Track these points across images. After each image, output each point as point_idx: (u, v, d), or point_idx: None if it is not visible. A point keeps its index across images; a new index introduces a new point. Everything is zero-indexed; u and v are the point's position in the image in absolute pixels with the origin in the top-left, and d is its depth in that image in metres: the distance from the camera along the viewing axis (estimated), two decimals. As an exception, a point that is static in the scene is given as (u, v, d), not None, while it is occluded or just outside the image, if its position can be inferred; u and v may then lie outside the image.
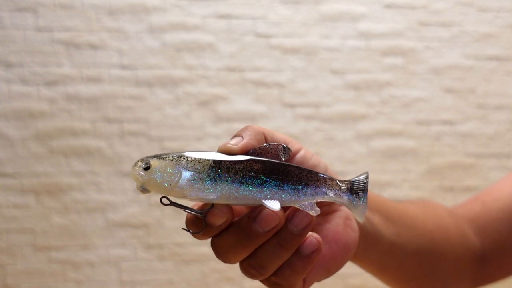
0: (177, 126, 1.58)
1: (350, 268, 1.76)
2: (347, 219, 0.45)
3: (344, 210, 0.45)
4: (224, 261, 0.41)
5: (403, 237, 0.53)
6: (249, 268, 0.41)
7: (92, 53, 1.55)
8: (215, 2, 1.59)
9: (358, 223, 0.45)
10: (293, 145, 0.42)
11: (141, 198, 1.57)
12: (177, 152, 0.39)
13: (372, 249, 0.49)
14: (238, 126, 1.59)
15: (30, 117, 1.53)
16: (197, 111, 1.59)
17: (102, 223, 1.56)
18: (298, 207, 0.40)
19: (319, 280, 0.44)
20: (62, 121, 1.54)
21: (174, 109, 1.58)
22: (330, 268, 0.44)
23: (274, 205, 0.38)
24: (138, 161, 0.39)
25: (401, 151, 1.68)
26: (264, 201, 0.39)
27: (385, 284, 0.59)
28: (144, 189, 0.39)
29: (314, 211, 0.39)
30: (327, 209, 0.44)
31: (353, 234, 0.45)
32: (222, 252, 0.40)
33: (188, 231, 0.40)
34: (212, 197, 0.39)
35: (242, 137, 0.40)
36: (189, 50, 1.59)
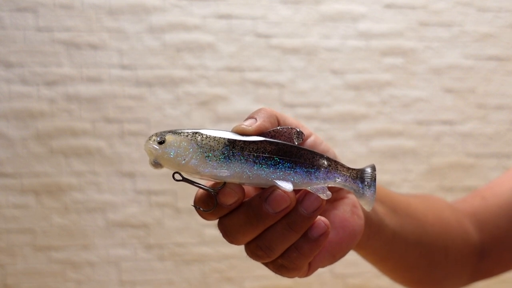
0: (177, 126, 1.58)
1: (350, 268, 1.75)
2: (354, 207, 0.45)
3: (351, 198, 0.45)
4: (231, 241, 0.41)
5: (405, 227, 0.54)
6: (257, 250, 0.41)
7: (92, 53, 1.55)
8: (215, 2, 1.59)
9: (364, 211, 0.46)
10: (304, 130, 0.42)
11: (141, 198, 1.57)
12: (192, 129, 0.39)
13: (375, 237, 0.50)
14: (238, 126, 1.59)
15: (30, 117, 1.53)
16: (197, 111, 1.59)
17: (102, 223, 1.56)
18: (309, 190, 0.40)
19: (324, 265, 0.44)
20: (62, 121, 1.54)
21: (174, 109, 1.58)
22: (336, 254, 0.44)
23: (286, 185, 0.39)
24: (152, 135, 0.39)
25: (401, 151, 1.68)
26: (277, 181, 0.39)
27: (386, 275, 0.59)
28: (156, 164, 0.39)
29: (326, 195, 0.40)
30: (335, 196, 0.45)
31: (359, 221, 0.45)
32: (230, 232, 0.40)
33: (198, 208, 0.40)
34: (225, 174, 0.39)
35: (256, 119, 0.40)
36: (189, 50, 1.59)
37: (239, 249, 1.60)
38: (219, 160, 0.38)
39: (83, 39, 1.55)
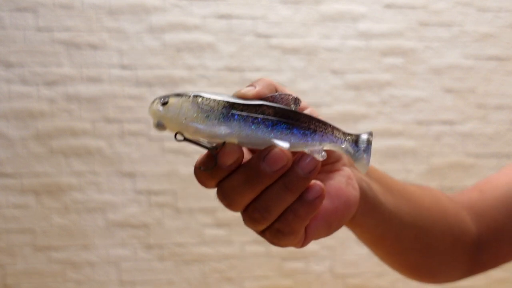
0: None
1: (350, 268, 1.75)
2: (349, 178, 0.46)
3: (346, 170, 0.47)
4: (229, 205, 0.42)
5: (400, 208, 0.54)
6: (253, 212, 0.41)
7: (92, 53, 1.55)
8: (215, 2, 1.59)
9: (360, 185, 0.47)
10: (302, 101, 0.44)
11: (141, 198, 1.57)
12: (195, 91, 0.42)
13: (370, 214, 0.51)
14: (238, 126, 1.59)
15: (30, 117, 1.53)
16: (197, 111, 1.59)
17: (102, 223, 1.56)
18: (306, 152, 0.41)
19: (319, 236, 0.45)
20: (62, 121, 1.54)
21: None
22: (332, 223, 0.45)
23: (283, 144, 0.40)
24: (156, 98, 0.41)
25: (401, 151, 1.68)
26: (274, 140, 0.41)
27: (382, 260, 0.60)
28: (160, 125, 0.41)
29: (321, 156, 0.41)
30: (330, 167, 0.46)
31: (355, 192, 0.46)
32: (228, 194, 0.41)
33: (199, 168, 0.42)
34: (224, 132, 0.40)
35: (255, 86, 0.42)
36: (189, 50, 1.59)
37: (239, 249, 1.60)
38: (219, 119, 0.40)
39: (83, 39, 1.55)
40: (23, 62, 1.53)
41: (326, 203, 0.43)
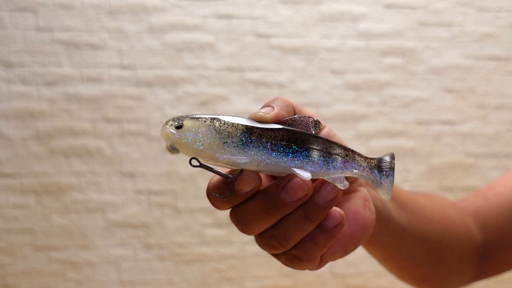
0: (177, 126, 1.58)
1: (350, 268, 1.75)
2: (366, 200, 0.45)
3: (363, 191, 0.45)
4: (245, 230, 0.40)
5: (413, 224, 0.54)
6: (271, 240, 0.40)
7: (92, 53, 1.55)
8: (215, 2, 1.59)
9: (375, 204, 0.46)
10: (319, 120, 0.42)
11: (141, 198, 1.57)
12: (210, 114, 0.39)
13: (384, 232, 0.50)
14: (238, 126, 1.59)
15: (30, 117, 1.53)
16: (197, 111, 1.59)
17: (102, 223, 1.56)
18: (327, 180, 0.40)
19: (335, 258, 0.44)
20: (62, 121, 1.54)
21: (174, 109, 1.58)
22: (347, 247, 0.44)
23: (305, 174, 0.38)
24: (169, 119, 0.38)
25: (401, 151, 1.68)
26: (295, 170, 0.39)
27: (392, 273, 0.59)
28: (173, 149, 0.38)
29: (343, 185, 0.40)
30: (347, 189, 0.45)
31: (371, 215, 0.45)
32: (244, 221, 0.40)
33: (214, 195, 0.39)
34: (243, 161, 0.38)
35: (273, 107, 0.40)
36: (189, 50, 1.59)
37: (239, 249, 1.60)
38: (237, 147, 0.38)
39: (83, 39, 1.55)
40: (23, 62, 1.53)
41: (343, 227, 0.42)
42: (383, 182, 0.43)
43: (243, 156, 0.38)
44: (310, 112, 0.43)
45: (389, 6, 1.67)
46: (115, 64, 1.56)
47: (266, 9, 1.62)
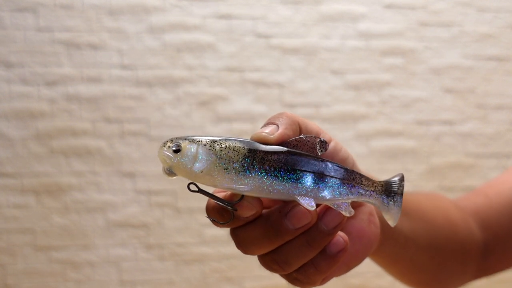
0: (177, 126, 1.58)
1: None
2: (370, 215, 0.44)
3: (368, 206, 0.44)
4: (245, 252, 0.39)
5: (416, 231, 0.53)
6: (272, 263, 0.39)
7: (92, 53, 1.55)
8: (215, 2, 1.59)
9: (379, 216, 0.45)
10: (325, 136, 0.41)
11: (141, 198, 1.57)
12: (209, 136, 0.37)
13: (387, 243, 0.49)
14: (238, 126, 1.59)
15: (30, 117, 1.53)
16: (197, 111, 1.59)
17: (102, 223, 1.56)
18: (331, 206, 0.38)
19: (338, 275, 0.43)
20: (62, 121, 1.54)
21: (174, 109, 1.58)
22: (350, 264, 0.43)
23: (309, 203, 0.36)
24: (167, 141, 0.36)
25: (401, 151, 1.68)
26: (299, 198, 0.37)
27: (394, 277, 0.59)
28: (171, 173, 0.36)
29: (348, 212, 0.38)
30: (352, 204, 0.44)
31: (376, 230, 0.44)
32: (245, 244, 0.39)
33: (214, 220, 0.38)
34: (245, 189, 0.36)
35: (278, 125, 0.39)
36: (189, 50, 1.59)
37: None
38: (239, 174, 0.36)
39: (83, 39, 1.55)
40: (23, 62, 1.53)
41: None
42: (390, 208, 0.40)
43: (244, 184, 0.36)
44: (316, 126, 0.41)
45: (389, 6, 1.67)
46: (115, 64, 1.56)
47: (266, 9, 1.62)
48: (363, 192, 0.39)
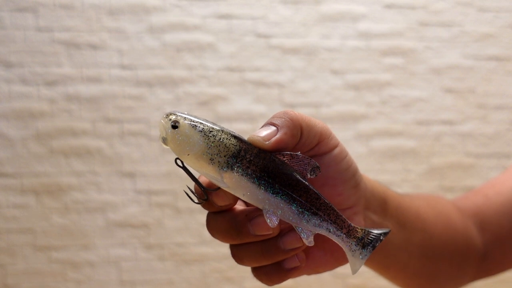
0: (177, 126, 1.58)
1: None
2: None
3: (358, 220, 0.44)
4: (212, 235, 0.41)
5: (411, 241, 0.52)
6: (232, 254, 0.41)
7: (92, 53, 1.55)
8: (215, 2, 1.59)
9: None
10: (331, 139, 0.41)
11: (141, 198, 1.57)
12: (210, 123, 0.38)
13: (377, 252, 0.48)
14: (238, 126, 1.59)
15: (30, 117, 1.53)
16: (197, 111, 1.59)
17: (102, 223, 1.56)
18: (295, 228, 0.38)
19: (327, 270, 0.44)
20: (62, 121, 1.54)
21: (174, 109, 1.58)
22: (339, 258, 0.44)
23: (272, 220, 0.37)
24: (171, 113, 0.38)
25: (401, 151, 1.68)
26: (265, 212, 0.37)
27: (386, 280, 0.59)
28: (165, 141, 0.38)
29: (308, 242, 0.38)
30: (347, 213, 0.44)
31: None
32: (211, 229, 0.40)
33: (192, 193, 0.40)
34: (221, 184, 0.38)
35: (278, 129, 0.39)
36: (189, 50, 1.59)
37: (239, 249, 1.60)
38: (221, 168, 0.37)
39: (83, 39, 1.55)
40: (23, 62, 1.53)
41: (332, 242, 0.41)
42: (355, 257, 0.40)
43: (222, 179, 0.37)
44: (322, 129, 0.40)
45: (389, 6, 1.67)
46: (115, 64, 1.56)
47: (266, 9, 1.62)
48: (332, 230, 0.39)
